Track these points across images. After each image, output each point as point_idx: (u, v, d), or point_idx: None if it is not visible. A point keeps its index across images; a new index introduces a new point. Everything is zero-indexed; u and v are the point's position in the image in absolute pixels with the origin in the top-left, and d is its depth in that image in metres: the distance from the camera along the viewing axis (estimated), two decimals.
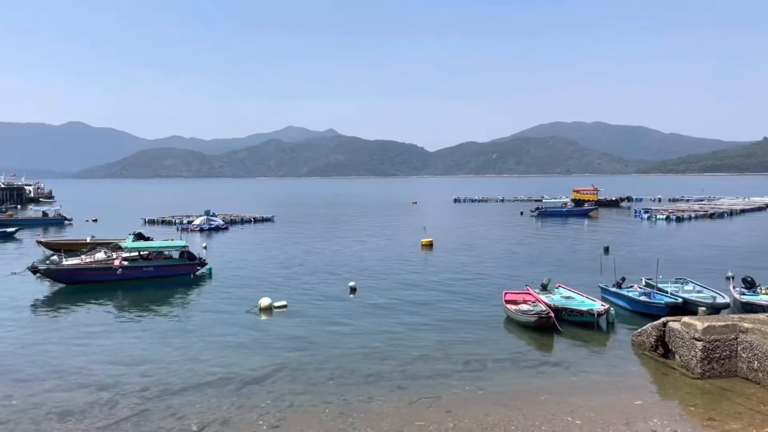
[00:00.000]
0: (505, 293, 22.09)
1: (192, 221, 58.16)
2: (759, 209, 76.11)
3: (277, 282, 27.57)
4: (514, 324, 19.21)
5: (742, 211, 71.84)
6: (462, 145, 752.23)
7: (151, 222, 62.27)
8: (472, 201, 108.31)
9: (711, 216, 64.06)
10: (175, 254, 29.82)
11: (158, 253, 29.62)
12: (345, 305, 22.66)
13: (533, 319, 18.44)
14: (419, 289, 25.58)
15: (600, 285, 23.66)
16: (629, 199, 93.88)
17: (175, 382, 14.01)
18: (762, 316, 14.53)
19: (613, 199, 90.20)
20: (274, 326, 19.58)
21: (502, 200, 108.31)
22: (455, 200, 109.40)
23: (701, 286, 22.76)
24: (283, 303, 22.33)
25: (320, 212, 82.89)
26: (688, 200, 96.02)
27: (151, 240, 34.35)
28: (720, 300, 20.22)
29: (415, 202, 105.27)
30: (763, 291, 21.78)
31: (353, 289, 25.27)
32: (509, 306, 20.22)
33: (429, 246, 40.26)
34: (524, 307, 19.98)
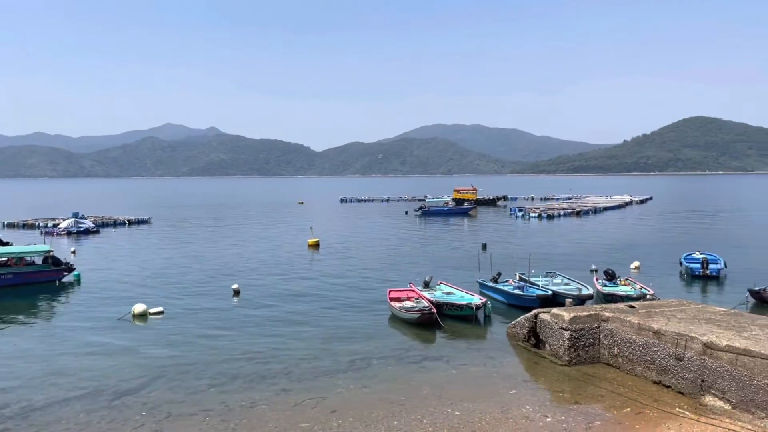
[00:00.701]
0: (390, 291, 22.47)
1: (58, 224, 53.98)
2: (619, 207, 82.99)
3: (154, 287, 26.25)
4: (399, 321, 19.58)
5: (605, 208, 77.93)
6: (348, 145, 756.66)
7: (11, 226, 57.11)
8: (359, 201, 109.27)
9: (578, 214, 68.93)
10: (38, 260, 27.53)
11: (18, 259, 27.19)
12: (227, 309, 21.99)
13: (416, 315, 18.89)
14: (305, 290, 25.39)
15: (478, 280, 24.69)
16: (505, 198, 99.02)
17: (38, 398, 12.90)
18: (621, 305, 15.80)
19: (491, 198, 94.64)
20: (150, 334, 18.61)
21: (388, 200, 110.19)
22: (342, 200, 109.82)
23: (569, 279, 24.43)
24: (160, 309, 21.26)
25: (202, 213, 79.96)
26: (557, 199, 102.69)
27: (11, 245, 31.46)
28: (585, 292, 21.79)
29: (302, 203, 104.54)
30: (622, 282, 23.78)
31: (236, 292, 24.59)
32: (393, 303, 20.58)
33: (315, 246, 40.09)
34: (408, 304, 20.42)
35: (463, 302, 20.12)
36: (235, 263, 33.19)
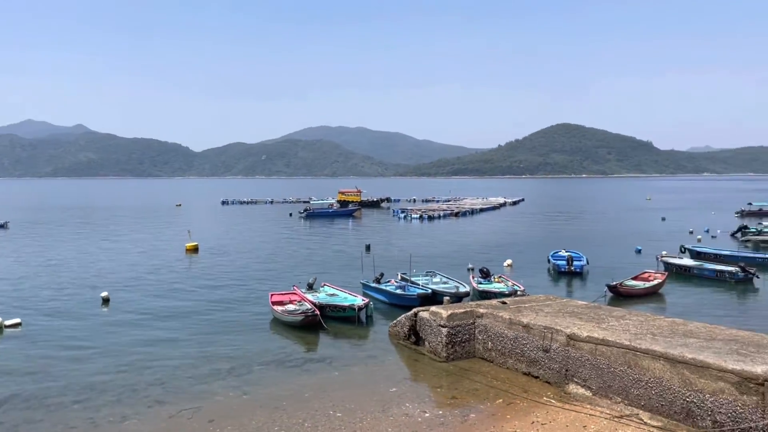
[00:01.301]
0: (272, 294, 22.08)
1: None
2: (494, 208, 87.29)
3: (10, 297, 24.02)
4: (281, 325, 19.30)
5: (482, 210, 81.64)
6: (230, 145, 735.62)
7: None
8: (241, 203, 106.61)
9: (456, 215, 71.64)
10: None
11: None
12: (96, 319, 20.56)
13: (299, 318, 18.72)
14: (182, 297, 24.35)
15: (361, 281, 24.92)
16: (388, 200, 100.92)
17: None
18: (494, 301, 16.58)
19: (375, 200, 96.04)
20: (6, 347, 16.99)
21: (272, 202, 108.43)
22: (223, 202, 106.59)
23: (447, 277, 25.31)
24: (17, 321, 19.48)
25: (68, 216, 74.28)
26: (438, 201, 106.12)
27: None
28: (462, 289, 22.70)
29: (180, 205, 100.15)
30: (496, 279, 25.00)
31: (106, 301, 23.07)
32: (276, 307, 20.25)
33: (194, 250, 38.58)
34: (291, 307, 20.18)
35: (346, 304, 20.22)
36: (104, 270, 31.15)
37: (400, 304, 21.51)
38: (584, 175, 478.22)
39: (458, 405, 11.88)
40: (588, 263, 30.35)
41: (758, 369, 9.43)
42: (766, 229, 44.37)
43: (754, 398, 9.29)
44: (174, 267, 32.26)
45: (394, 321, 17.16)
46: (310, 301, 20.75)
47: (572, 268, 28.94)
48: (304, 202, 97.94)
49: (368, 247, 38.78)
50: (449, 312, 14.92)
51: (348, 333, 18.39)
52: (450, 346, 14.70)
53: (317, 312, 19.07)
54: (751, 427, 9.24)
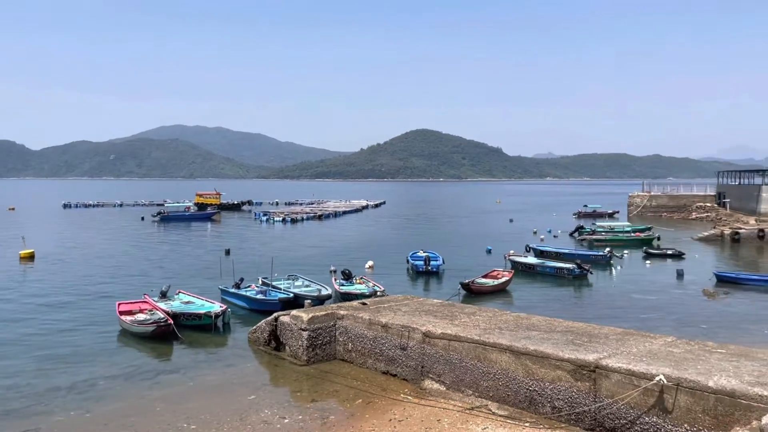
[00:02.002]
0: (119, 304, 20.60)
1: None
2: (357, 211, 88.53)
3: None
4: (131, 336, 18.10)
5: (344, 212, 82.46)
6: (73, 144, 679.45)
7: None
8: (86, 206, 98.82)
9: (320, 217, 71.72)
10: None
11: None
12: None
13: (151, 328, 17.68)
14: (15, 309, 22.03)
15: (220, 287, 24.11)
16: (250, 202, 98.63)
17: None
18: (354, 303, 16.76)
19: (235, 203, 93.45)
20: None
21: (121, 205, 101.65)
22: (65, 205, 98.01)
23: (309, 280, 25.24)
24: None
25: None
26: (301, 203, 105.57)
27: None
28: (324, 292, 22.74)
29: (13, 209, 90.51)
30: (358, 281, 25.36)
31: None
32: (124, 317, 18.96)
33: (29, 258, 35.09)
34: (141, 316, 19.00)
35: (202, 311, 19.43)
36: None
37: (260, 309, 21.06)
38: (441, 179, 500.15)
39: (318, 408, 11.85)
40: (444, 263, 31.72)
41: (590, 357, 10.36)
42: (599, 229, 49.11)
43: (587, 384, 10.19)
44: (5, 278, 29.12)
45: (254, 327, 16.75)
46: (162, 309, 19.66)
47: (429, 267, 30.07)
48: (158, 205, 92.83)
49: (228, 252, 37.63)
50: (310, 315, 14.84)
51: (204, 342, 17.68)
52: (311, 349, 14.62)
53: (170, 321, 18.12)
54: (584, 411, 10.12)
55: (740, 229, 45.32)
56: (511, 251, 34.67)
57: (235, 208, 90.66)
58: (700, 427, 8.79)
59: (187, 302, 21.26)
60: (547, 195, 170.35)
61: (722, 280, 27.76)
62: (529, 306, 21.96)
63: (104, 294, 24.77)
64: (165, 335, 17.60)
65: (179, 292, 22.74)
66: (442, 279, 29.41)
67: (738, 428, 8.00)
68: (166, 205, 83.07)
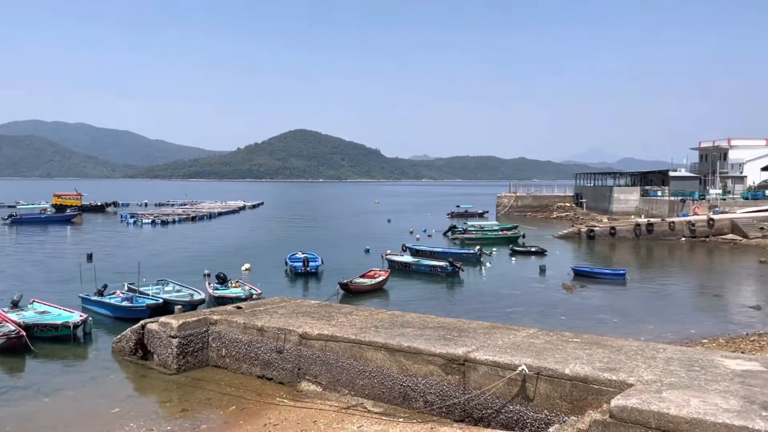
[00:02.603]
0: None
1: None
2: (234, 212, 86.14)
3: None
4: None
5: (220, 213, 79.88)
6: None
7: None
8: None
9: (193, 219, 68.94)
10: None
11: None
12: None
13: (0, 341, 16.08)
14: None
15: (81, 295, 22.44)
16: (116, 204, 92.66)
17: None
18: (229, 307, 16.28)
19: (99, 204, 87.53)
20: None
21: None
22: None
23: (181, 285, 24.17)
24: None
25: None
26: (173, 204, 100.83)
27: None
28: (197, 297, 21.88)
29: None
30: (233, 284, 24.65)
31: None
32: None
33: None
34: None
35: (59, 321, 17.94)
36: None
37: (127, 317, 19.85)
38: (321, 180, 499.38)
39: (189, 417, 11.37)
40: (323, 263, 31.68)
41: (459, 351, 10.80)
42: (470, 228, 51.39)
43: (457, 377, 10.61)
44: None
45: (119, 336, 15.76)
46: (12, 321, 17.92)
47: (308, 268, 29.90)
48: (10, 206, 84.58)
49: (90, 257, 35.08)
50: (181, 321, 14.21)
51: (62, 354, 16.36)
52: (181, 356, 14.00)
53: (23, 333, 16.59)
54: (455, 403, 10.54)
55: (595, 227, 49.37)
56: (388, 251, 35.34)
57: (98, 209, 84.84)
58: (558, 412, 9.46)
59: (43, 312, 19.55)
60: (423, 196, 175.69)
61: (579, 275, 30.10)
62: (405, 304, 22.50)
63: None
64: (16, 348, 16.08)
65: (34, 301, 20.85)
66: (321, 280, 29.37)
67: (591, 411, 8.66)
68: (18, 207, 75.91)
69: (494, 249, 39.88)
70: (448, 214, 79.00)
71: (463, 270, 30.52)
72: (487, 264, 34.85)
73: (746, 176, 68.06)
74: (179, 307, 17.49)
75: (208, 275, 27.60)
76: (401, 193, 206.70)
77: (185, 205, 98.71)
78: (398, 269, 31.61)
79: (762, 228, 44.97)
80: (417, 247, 38.69)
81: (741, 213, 49.62)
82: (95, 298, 21.66)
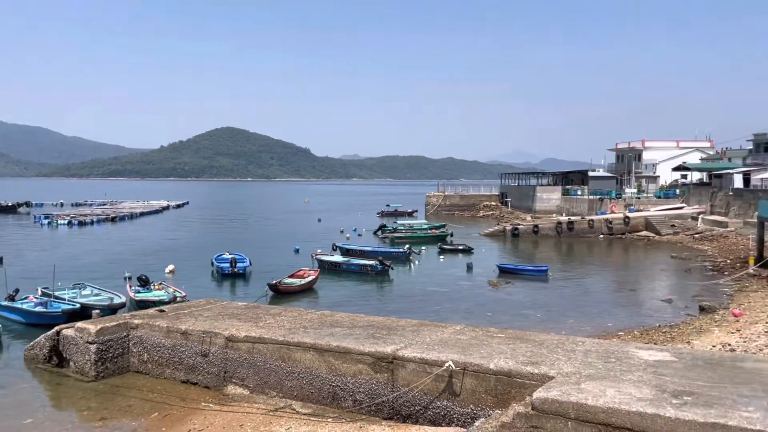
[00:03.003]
0: None
1: None
2: (157, 212, 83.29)
3: None
4: None
5: (142, 214, 77.03)
6: None
7: None
8: None
9: (113, 220, 66.15)
10: None
11: None
12: None
13: None
14: None
15: None
16: (28, 204, 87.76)
17: None
18: (151, 310, 15.71)
19: (10, 204, 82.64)
20: None
21: None
22: None
23: (99, 289, 23.17)
24: None
25: None
26: (91, 204, 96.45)
27: None
28: (117, 301, 21.03)
29: None
30: (156, 287, 23.81)
31: None
32: None
33: None
34: None
35: None
36: None
37: (41, 323, 18.85)
38: (249, 179, 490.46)
39: (108, 426, 10.92)
40: (251, 264, 31.14)
41: (388, 349, 10.87)
42: (400, 227, 51.85)
43: (386, 375, 10.67)
44: None
45: (32, 343, 14.92)
46: None
47: (236, 269, 29.33)
48: None
49: (0, 260, 33.06)
50: (99, 326, 13.60)
51: None
52: (100, 363, 13.40)
53: None
54: (383, 401, 10.59)
55: (519, 225, 50.91)
56: (318, 250, 35.15)
57: (10, 210, 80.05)
58: (484, 407, 9.68)
59: None
60: (353, 195, 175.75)
61: (504, 271, 30.95)
62: (335, 303, 22.45)
63: None
64: None
65: None
66: (249, 281, 28.87)
67: (514, 404, 8.90)
68: None
69: (423, 248, 40.41)
70: (378, 214, 79.37)
71: (392, 269, 30.76)
72: (417, 262, 35.28)
73: (659, 176, 72.16)
74: (98, 311, 16.72)
75: (129, 278, 26.59)
76: (331, 192, 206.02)
77: (104, 205, 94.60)
78: (328, 269, 31.49)
79: (673, 225, 47.70)
80: (347, 247, 38.69)
81: (654, 211, 52.53)
82: (6, 303, 20.43)
